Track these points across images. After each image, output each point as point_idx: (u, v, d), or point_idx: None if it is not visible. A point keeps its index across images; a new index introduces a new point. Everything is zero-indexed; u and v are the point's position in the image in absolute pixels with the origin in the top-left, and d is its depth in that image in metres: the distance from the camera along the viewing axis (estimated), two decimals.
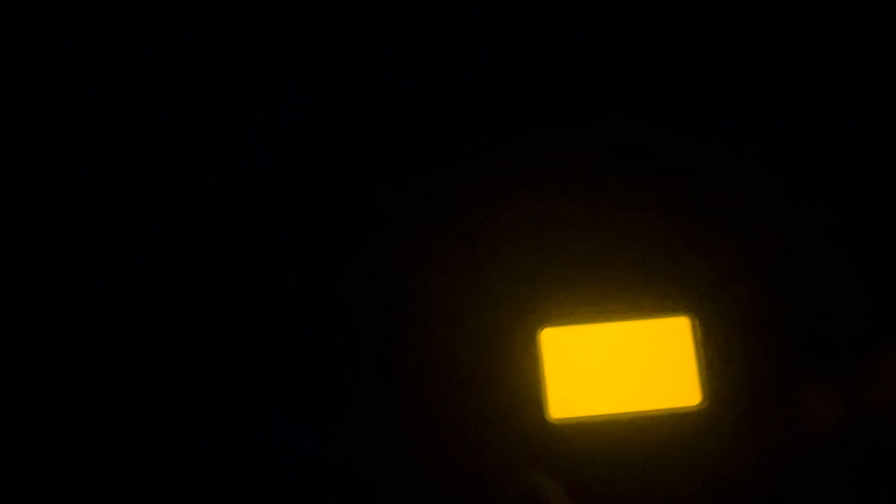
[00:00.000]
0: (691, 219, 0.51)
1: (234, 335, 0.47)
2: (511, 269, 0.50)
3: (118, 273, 0.47)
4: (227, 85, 0.48)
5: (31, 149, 0.48)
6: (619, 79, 0.53)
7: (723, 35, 0.52)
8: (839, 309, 0.50)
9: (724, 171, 0.52)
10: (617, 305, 0.50)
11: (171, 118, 0.48)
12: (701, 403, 0.50)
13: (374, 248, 0.49)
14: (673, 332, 0.50)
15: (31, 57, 0.48)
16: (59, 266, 0.47)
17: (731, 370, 0.49)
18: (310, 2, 0.49)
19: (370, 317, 0.49)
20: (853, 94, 0.53)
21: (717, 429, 0.50)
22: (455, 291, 0.49)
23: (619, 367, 0.49)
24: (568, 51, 0.52)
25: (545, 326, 0.49)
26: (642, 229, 0.51)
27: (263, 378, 0.48)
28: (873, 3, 0.53)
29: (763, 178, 0.52)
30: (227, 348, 0.47)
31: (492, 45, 0.52)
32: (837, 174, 0.53)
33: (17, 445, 0.45)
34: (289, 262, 0.49)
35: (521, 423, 0.48)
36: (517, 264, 0.50)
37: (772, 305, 0.50)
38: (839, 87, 0.53)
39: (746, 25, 0.53)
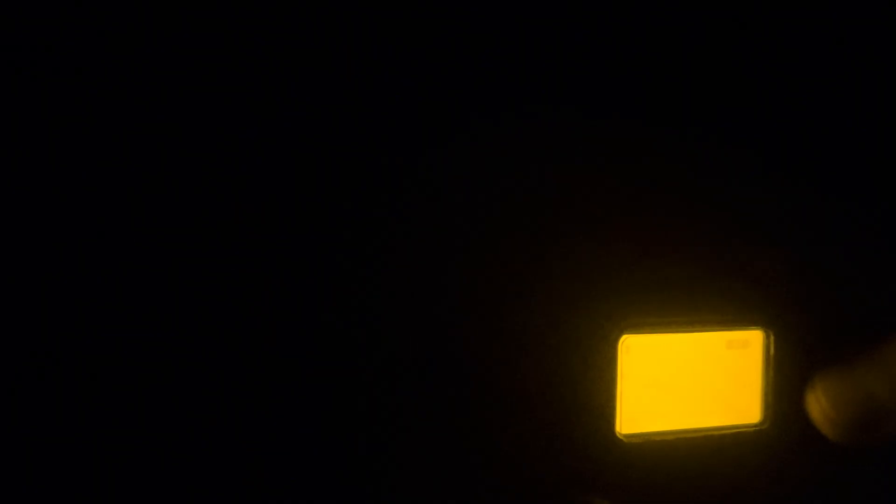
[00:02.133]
0: (780, 231, 0.49)
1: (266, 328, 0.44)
2: (592, 275, 0.46)
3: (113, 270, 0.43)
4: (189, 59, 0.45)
5: (31, 148, 0.44)
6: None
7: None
8: None
9: (817, 190, 0.50)
10: (695, 315, 0.47)
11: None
12: (761, 423, 0.48)
13: (451, 240, 0.45)
14: (746, 346, 0.48)
15: (31, 56, 0.44)
16: (57, 265, 0.43)
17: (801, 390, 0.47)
18: None
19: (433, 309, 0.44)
20: None
21: (777, 450, 0.48)
22: (531, 293, 0.45)
23: (689, 381, 0.47)
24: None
25: (625, 333, 0.45)
26: (728, 240, 0.48)
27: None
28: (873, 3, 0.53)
29: (852, 197, 0.50)
30: (251, 344, 0.43)
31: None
32: None
33: (17, 445, 0.42)
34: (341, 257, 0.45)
35: (589, 436, 0.44)
36: (598, 272, 0.46)
37: (854, 324, 0.49)
38: None
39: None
